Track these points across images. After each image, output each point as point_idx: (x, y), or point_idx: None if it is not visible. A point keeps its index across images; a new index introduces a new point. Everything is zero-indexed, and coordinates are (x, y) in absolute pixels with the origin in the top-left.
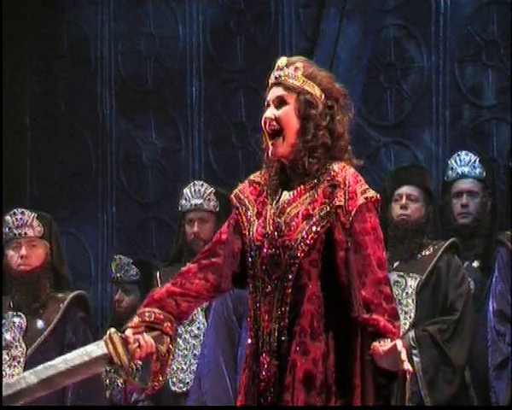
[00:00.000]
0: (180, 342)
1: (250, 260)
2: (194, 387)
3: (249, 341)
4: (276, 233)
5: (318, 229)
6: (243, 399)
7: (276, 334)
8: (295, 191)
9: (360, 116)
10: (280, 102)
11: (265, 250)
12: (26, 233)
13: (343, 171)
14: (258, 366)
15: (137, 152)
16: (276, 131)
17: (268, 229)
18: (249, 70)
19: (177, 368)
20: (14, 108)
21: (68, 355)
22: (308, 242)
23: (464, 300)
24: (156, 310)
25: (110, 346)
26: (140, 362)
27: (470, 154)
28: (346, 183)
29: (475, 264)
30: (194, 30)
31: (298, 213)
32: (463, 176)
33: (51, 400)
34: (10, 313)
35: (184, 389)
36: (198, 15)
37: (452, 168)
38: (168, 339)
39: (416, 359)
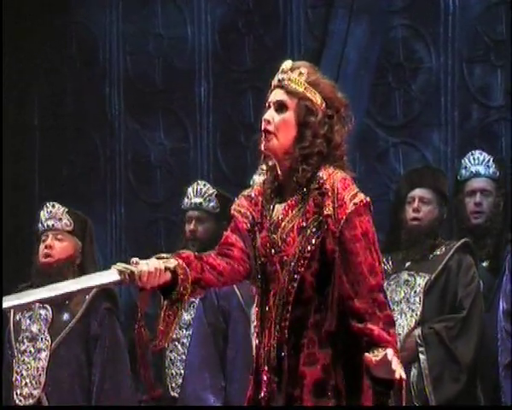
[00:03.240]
0: (179, 346)
1: (255, 273)
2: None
3: (254, 356)
4: (273, 250)
5: (314, 240)
6: None
7: (275, 351)
8: (286, 205)
9: (368, 116)
10: (280, 107)
11: (266, 267)
12: (53, 225)
13: (331, 177)
14: (260, 382)
15: (146, 152)
16: (272, 133)
17: (268, 244)
18: (258, 70)
19: (176, 373)
20: (22, 109)
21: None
22: (306, 255)
23: (472, 298)
24: (180, 260)
25: (120, 264)
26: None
27: (484, 153)
28: (335, 190)
29: (485, 264)
30: (203, 30)
31: (293, 227)
32: (477, 175)
33: (75, 380)
34: (37, 304)
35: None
36: (206, 16)
37: (466, 167)
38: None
39: (422, 356)
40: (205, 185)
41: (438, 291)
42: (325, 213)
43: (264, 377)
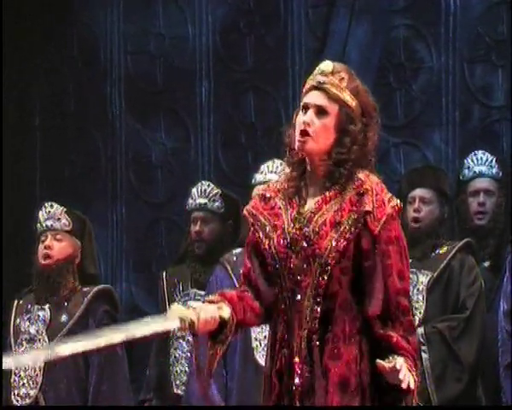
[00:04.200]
0: (184, 344)
1: (275, 272)
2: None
3: (281, 351)
4: (304, 243)
5: (348, 236)
6: None
7: (306, 341)
8: (320, 199)
9: None
10: (320, 111)
11: (292, 260)
12: (52, 225)
13: (368, 179)
14: (292, 375)
15: (147, 152)
16: (309, 134)
17: (289, 239)
18: (259, 70)
19: (180, 371)
20: (23, 109)
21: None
22: (339, 249)
23: (475, 299)
24: (227, 304)
25: (179, 308)
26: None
27: (487, 153)
28: (373, 191)
29: (486, 264)
30: (204, 30)
31: (325, 220)
32: (480, 175)
33: (72, 380)
34: (36, 306)
35: None
36: (207, 16)
37: (469, 167)
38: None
39: (424, 355)
40: (209, 186)
41: (440, 290)
42: (366, 209)
43: (298, 369)
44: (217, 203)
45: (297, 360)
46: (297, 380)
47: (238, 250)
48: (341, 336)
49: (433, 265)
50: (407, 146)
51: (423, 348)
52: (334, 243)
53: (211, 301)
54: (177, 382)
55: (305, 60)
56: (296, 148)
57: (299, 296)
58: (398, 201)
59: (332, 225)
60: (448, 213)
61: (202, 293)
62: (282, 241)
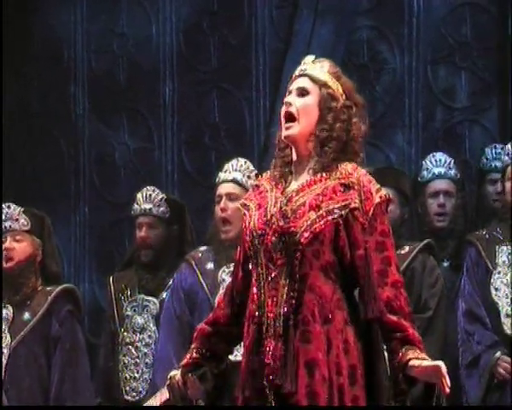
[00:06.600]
0: (132, 350)
1: (252, 248)
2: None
3: (251, 327)
4: (282, 221)
5: (324, 221)
6: (247, 391)
7: (281, 319)
8: (304, 182)
9: None
10: (302, 92)
11: (269, 237)
12: (10, 226)
13: (356, 171)
14: (263, 352)
15: (110, 152)
16: (293, 117)
17: (269, 216)
18: (222, 70)
19: (130, 377)
20: None
21: None
22: (312, 230)
23: (437, 299)
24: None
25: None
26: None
27: (445, 155)
28: (360, 183)
29: (446, 264)
30: (168, 30)
31: (305, 202)
32: (440, 176)
33: (34, 380)
34: None
35: (137, 398)
36: (171, 15)
37: (427, 169)
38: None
39: (387, 354)
40: (154, 191)
41: None
42: (352, 206)
43: (270, 346)
44: (162, 208)
45: (269, 337)
46: (269, 357)
47: (203, 248)
48: (311, 320)
49: None
50: (370, 147)
51: (385, 346)
52: (308, 224)
53: (196, 362)
54: (127, 388)
55: (268, 60)
56: (283, 137)
57: (273, 274)
58: (386, 191)
59: (311, 208)
60: (408, 213)
61: (150, 299)
62: (262, 218)
